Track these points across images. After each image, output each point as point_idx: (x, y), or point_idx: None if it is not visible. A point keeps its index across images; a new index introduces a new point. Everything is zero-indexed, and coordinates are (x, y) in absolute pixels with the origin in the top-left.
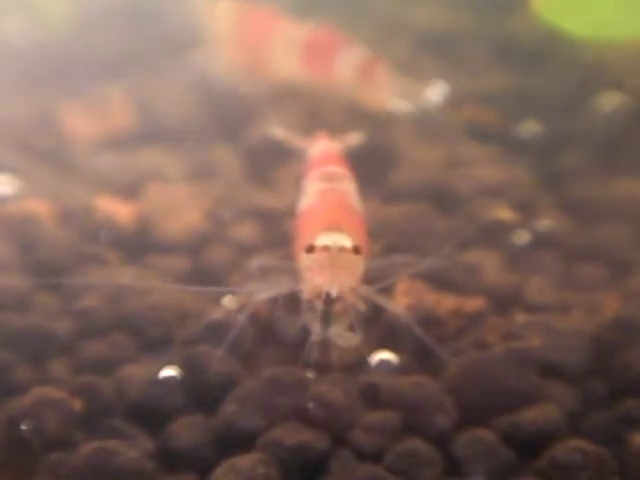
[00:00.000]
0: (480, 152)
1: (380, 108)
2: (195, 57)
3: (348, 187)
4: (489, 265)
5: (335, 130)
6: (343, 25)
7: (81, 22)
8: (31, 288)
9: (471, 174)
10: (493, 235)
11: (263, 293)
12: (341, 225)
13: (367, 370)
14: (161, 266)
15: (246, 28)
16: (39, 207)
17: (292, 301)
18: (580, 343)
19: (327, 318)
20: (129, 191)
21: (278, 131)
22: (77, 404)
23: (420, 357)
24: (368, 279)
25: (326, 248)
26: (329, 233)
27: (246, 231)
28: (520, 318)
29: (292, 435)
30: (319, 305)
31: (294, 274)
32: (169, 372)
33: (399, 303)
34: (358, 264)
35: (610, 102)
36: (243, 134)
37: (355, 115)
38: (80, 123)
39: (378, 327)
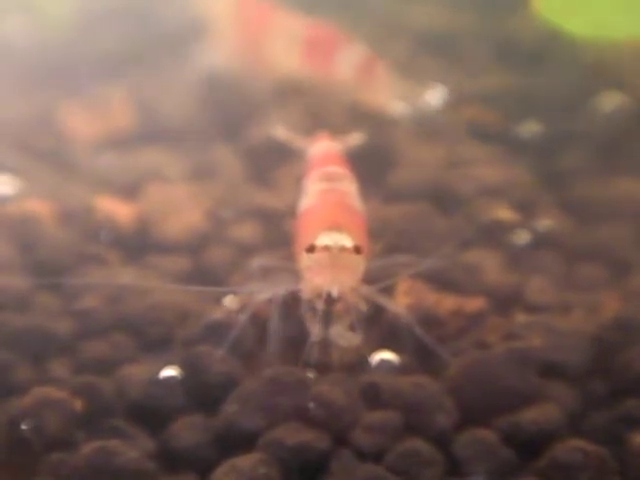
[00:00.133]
0: (480, 152)
1: (380, 107)
2: (196, 52)
3: (349, 187)
4: (489, 265)
5: (336, 130)
6: (343, 25)
7: (81, 22)
8: (31, 288)
9: (471, 174)
10: (493, 235)
11: (264, 293)
12: (342, 225)
13: (368, 370)
14: (161, 266)
15: (247, 22)
16: (39, 207)
17: (292, 301)
18: (580, 343)
19: (328, 318)
20: (129, 191)
21: (280, 131)
22: (78, 404)
23: (421, 357)
24: (369, 279)
25: (327, 248)
26: (330, 233)
27: (247, 231)
28: (520, 318)
29: (293, 435)
30: (320, 305)
31: (295, 274)
32: (169, 372)
33: (400, 303)
34: (359, 264)
35: (610, 102)
36: (244, 134)
37: (356, 115)
38: (80, 123)
39: (379, 327)
